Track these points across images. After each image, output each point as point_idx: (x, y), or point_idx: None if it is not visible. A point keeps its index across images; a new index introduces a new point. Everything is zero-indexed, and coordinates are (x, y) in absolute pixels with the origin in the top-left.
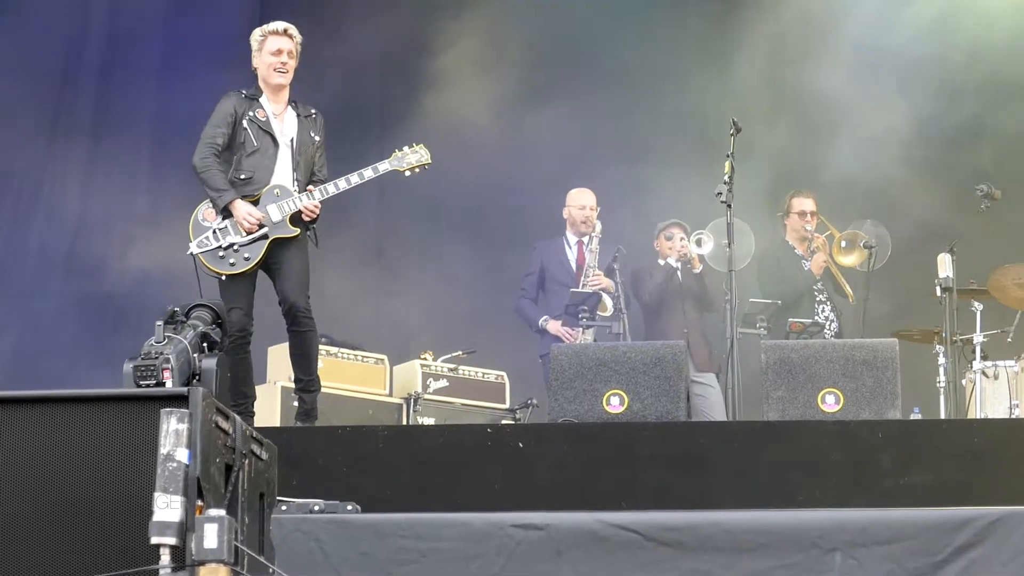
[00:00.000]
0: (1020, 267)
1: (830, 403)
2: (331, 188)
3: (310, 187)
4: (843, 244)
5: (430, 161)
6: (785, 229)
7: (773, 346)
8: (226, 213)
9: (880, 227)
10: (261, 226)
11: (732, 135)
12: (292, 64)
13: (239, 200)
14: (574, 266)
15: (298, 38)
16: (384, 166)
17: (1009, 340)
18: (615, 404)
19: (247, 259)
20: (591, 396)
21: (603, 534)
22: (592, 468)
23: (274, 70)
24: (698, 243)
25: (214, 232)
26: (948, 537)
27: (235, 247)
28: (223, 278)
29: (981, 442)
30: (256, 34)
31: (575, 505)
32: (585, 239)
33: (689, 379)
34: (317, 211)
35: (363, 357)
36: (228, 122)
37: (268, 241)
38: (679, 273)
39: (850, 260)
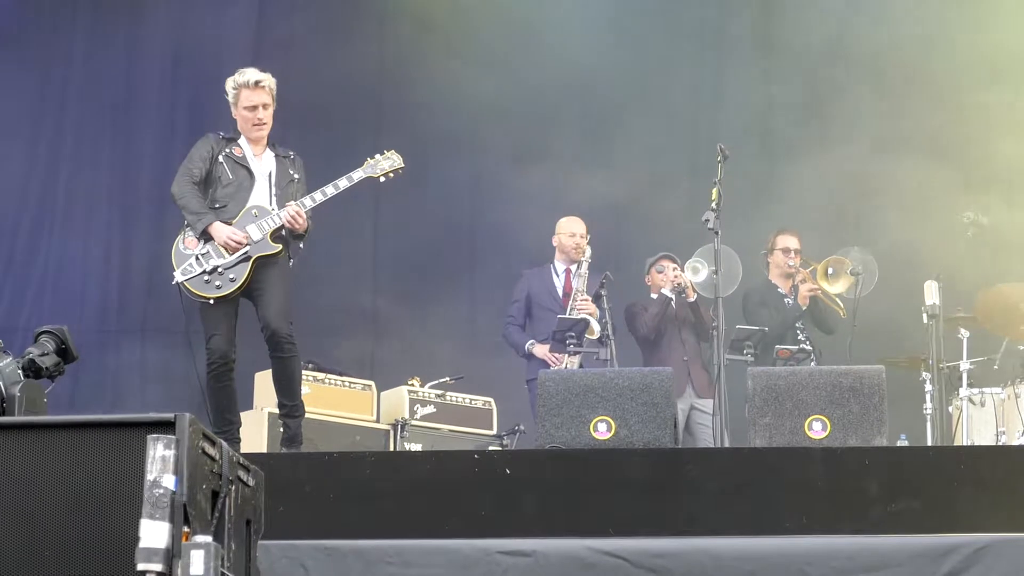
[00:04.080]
0: (1008, 295)
1: (817, 430)
2: (318, 196)
3: (290, 202)
4: (829, 271)
5: (403, 166)
6: (768, 267)
7: (760, 373)
8: (206, 237)
9: (867, 254)
10: (244, 246)
11: (720, 162)
12: (270, 112)
13: (218, 222)
14: (561, 294)
15: (272, 85)
16: (359, 174)
17: (995, 367)
18: (602, 430)
19: (232, 280)
20: (578, 422)
21: (590, 560)
22: (579, 494)
23: (252, 125)
24: (693, 271)
25: (197, 258)
26: (935, 564)
27: (220, 270)
28: (211, 302)
29: (968, 469)
30: (229, 85)
31: (562, 531)
32: (573, 267)
33: (676, 406)
34: (302, 219)
35: (350, 383)
36: (205, 158)
37: (252, 261)
38: (673, 303)
39: (837, 288)
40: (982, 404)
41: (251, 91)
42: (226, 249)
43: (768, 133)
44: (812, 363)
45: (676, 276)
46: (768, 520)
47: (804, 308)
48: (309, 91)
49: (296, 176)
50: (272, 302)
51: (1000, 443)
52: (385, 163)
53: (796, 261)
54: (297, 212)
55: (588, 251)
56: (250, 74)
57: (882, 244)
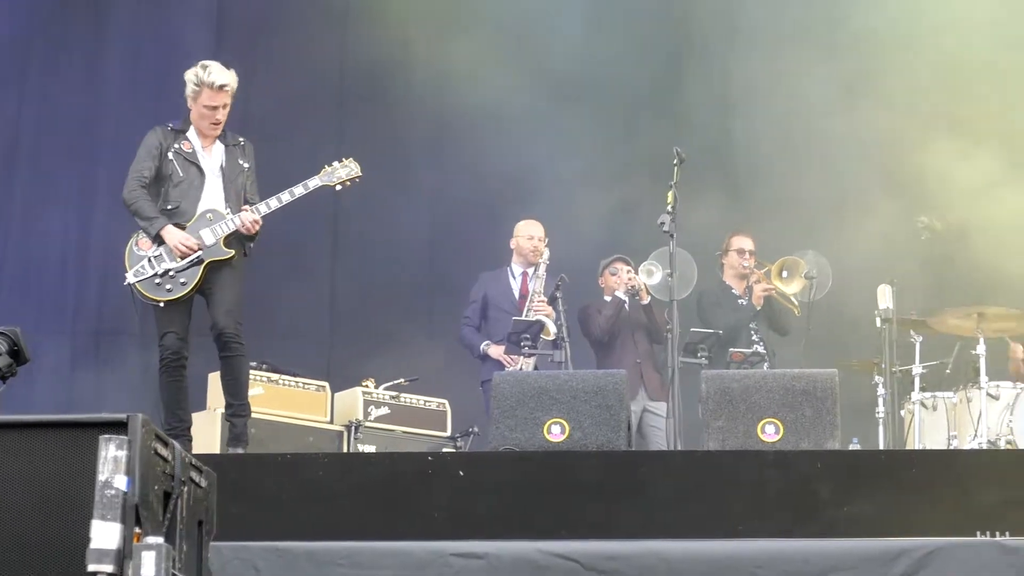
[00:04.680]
0: (961, 300)
1: (770, 433)
2: (273, 203)
3: (246, 207)
4: (784, 272)
5: (360, 174)
6: (723, 268)
7: (713, 376)
8: (159, 241)
9: (821, 257)
10: (195, 252)
11: (676, 165)
12: (225, 113)
13: (170, 226)
14: (517, 296)
15: (234, 85)
16: (315, 182)
17: (948, 371)
18: (556, 432)
19: (183, 284)
20: (532, 424)
21: (543, 563)
22: (533, 497)
23: (209, 124)
24: (647, 274)
25: (149, 260)
26: (886, 567)
27: (171, 273)
28: (161, 305)
29: (919, 473)
30: (192, 80)
31: (516, 534)
32: (530, 270)
33: (629, 409)
34: (258, 227)
35: (304, 384)
36: (154, 155)
37: (204, 265)
38: (627, 306)
39: (791, 288)
40: (934, 408)
41: (214, 92)
42: (177, 254)
43: (725, 133)
44: (765, 366)
45: (630, 279)
46: (721, 523)
47: (758, 308)
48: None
49: (246, 165)
50: (222, 302)
51: (952, 447)
52: (342, 171)
53: (751, 262)
54: (255, 221)
55: (546, 253)
56: (216, 75)
57: (836, 248)
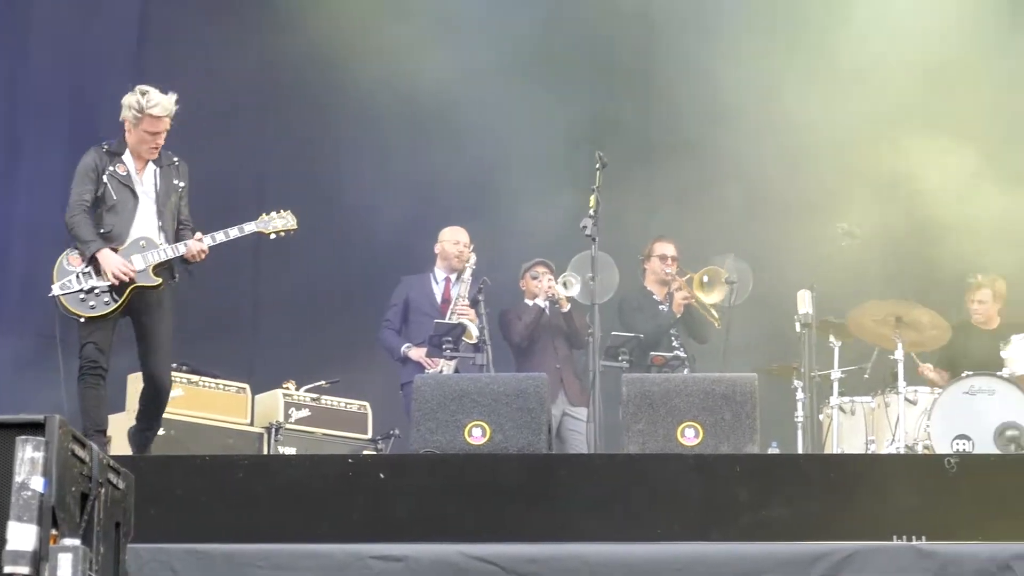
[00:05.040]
0: (879, 304)
1: (689, 437)
2: (219, 236)
3: (199, 235)
4: (705, 280)
5: (295, 227)
6: (644, 273)
7: (634, 379)
8: (93, 262)
9: (742, 262)
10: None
11: (598, 169)
12: (163, 138)
13: (107, 250)
14: (440, 301)
15: (173, 111)
16: (250, 227)
17: (866, 376)
18: (477, 435)
19: (107, 303)
20: (453, 427)
21: (463, 566)
22: (453, 499)
23: (148, 148)
24: (565, 285)
25: (77, 276)
26: (804, 571)
27: (97, 291)
28: (82, 320)
29: (837, 477)
30: (132, 106)
31: (436, 537)
32: (453, 276)
33: (550, 412)
34: (204, 256)
35: (224, 386)
36: (92, 178)
37: (129, 289)
38: (547, 311)
39: (712, 298)
40: (852, 412)
41: (156, 120)
42: (114, 278)
43: (645, 140)
44: (686, 370)
45: (550, 287)
46: (640, 526)
47: (678, 316)
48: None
49: (181, 185)
50: (159, 348)
51: (869, 451)
52: (279, 222)
53: (673, 268)
54: (202, 251)
55: (473, 258)
56: (157, 104)
57: (757, 253)
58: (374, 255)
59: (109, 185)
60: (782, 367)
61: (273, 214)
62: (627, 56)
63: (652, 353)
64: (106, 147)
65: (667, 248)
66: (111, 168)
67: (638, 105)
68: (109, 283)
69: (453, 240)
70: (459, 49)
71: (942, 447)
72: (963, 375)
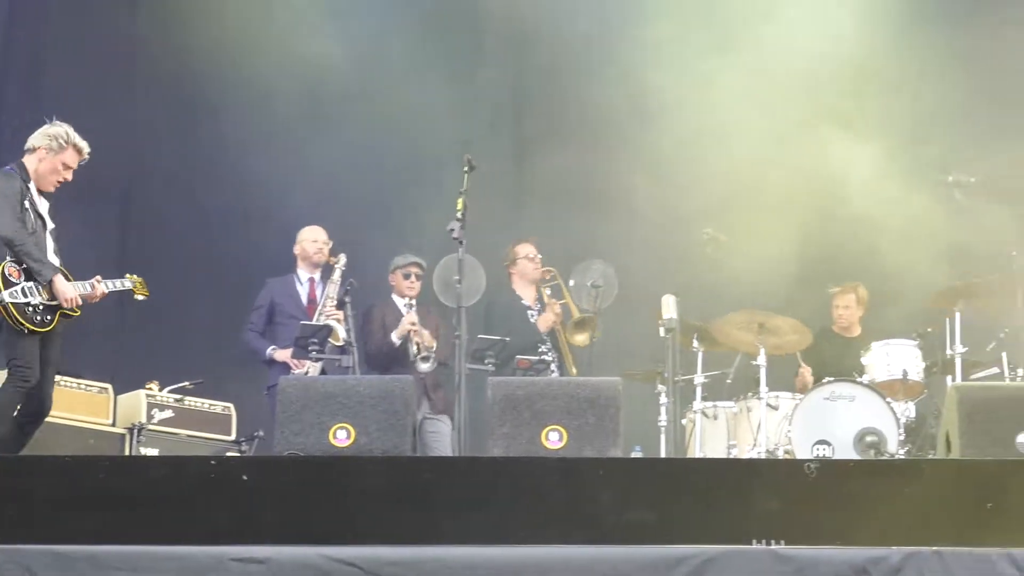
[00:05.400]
0: (742, 313)
1: (553, 440)
2: (118, 285)
3: (98, 277)
4: (575, 323)
5: (147, 295)
6: (511, 278)
7: (500, 382)
8: (48, 286)
9: (608, 267)
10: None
11: (466, 172)
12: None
13: (62, 276)
14: (305, 302)
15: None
16: (126, 284)
17: (728, 381)
18: (342, 437)
19: (45, 322)
20: (318, 429)
21: (325, 568)
22: (317, 502)
23: (56, 179)
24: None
25: (24, 289)
26: (665, 574)
27: (41, 308)
28: (25, 332)
29: (699, 481)
30: (60, 136)
31: (299, 539)
32: (316, 275)
33: (415, 414)
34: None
35: (86, 386)
36: (19, 200)
37: (59, 313)
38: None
39: (577, 340)
40: (715, 417)
41: (77, 155)
42: (63, 301)
43: (516, 142)
44: (552, 374)
45: (414, 331)
46: (504, 529)
47: (543, 333)
48: None
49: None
50: (52, 375)
51: (731, 456)
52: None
53: (539, 265)
54: (103, 293)
55: (343, 259)
56: (85, 146)
57: (623, 257)
58: (239, 256)
59: (30, 211)
60: (646, 372)
61: (136, 278)
62: (492, 59)
63: (518, 356)
64: (17, 172)
65: (529, 249)
66: (30, 194)
67: (512, 107)
68: (43, 301)
69: (311, 239)
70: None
71: (802, 452)
72: (824, 381)
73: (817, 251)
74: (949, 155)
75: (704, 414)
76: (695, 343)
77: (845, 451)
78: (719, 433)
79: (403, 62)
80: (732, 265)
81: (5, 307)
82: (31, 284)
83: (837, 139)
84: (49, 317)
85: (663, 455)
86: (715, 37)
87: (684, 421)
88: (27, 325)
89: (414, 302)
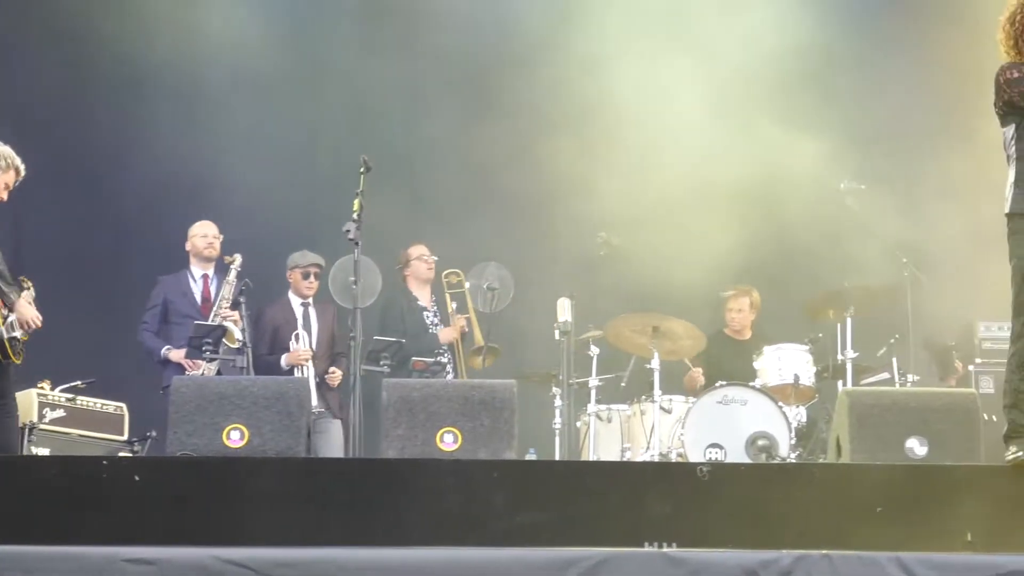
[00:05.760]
0: (637, 316)
1: (448, 442)
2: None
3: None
4: (475, 351)
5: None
6: (406, 280)
7: (395, 384)
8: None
9: (503, 269)
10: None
11: (362, 173)
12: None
13: (24, 299)
14: (200, 300)
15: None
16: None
17: (623, 384)
18: (235, 438)
19: (18, 353)
20: (211, 429)
21: (216, 569)
22: (210, 502)
23: None
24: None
25: (11, 323)
26: None
27: (17, 340)
28: (5, 363)
29: (592, 483)
30: (7, 156)
31: (191, 540)
32: (211, 271)
33: (310, 416)
34: None
35: None
36: None
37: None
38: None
39: (475, 362)
40: (609, 420)
41: (16, 177)
42: (25, 326)
43: (416, 142)
44: (448, 376)
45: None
46: (397, 531)
47: (443, 345)
48: None
49: None
50: None
51: (625, 459)
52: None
53: (431, 264)
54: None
55: (239, 259)
56: (22, 165)
57: (519, 260)
58: (132, 253)
59: None
60: (541, 374)
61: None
62: (388, 60)
63: (413, 358)
64: None
65: (421, 250)
66: None
67: (405, 109)
68: (21, 334)
69: (202, 234)
70: (218, 22)
71: (695, 455)
72: (717, 385)
73: (712, 255)
74: (844, 157)
75: (598, 417)
76: (590, 346)
77: (737, 455)
78: (613, 436)
79: (301, 57)
80: (627, 269)
81: (1, 343)
82: (13, 316)
83: (734, 144)
84: (21, 349)
85: (557, 457)
86: (616, 45)
87: (578, 424)
88: (14, 359)
89: (311, 301)
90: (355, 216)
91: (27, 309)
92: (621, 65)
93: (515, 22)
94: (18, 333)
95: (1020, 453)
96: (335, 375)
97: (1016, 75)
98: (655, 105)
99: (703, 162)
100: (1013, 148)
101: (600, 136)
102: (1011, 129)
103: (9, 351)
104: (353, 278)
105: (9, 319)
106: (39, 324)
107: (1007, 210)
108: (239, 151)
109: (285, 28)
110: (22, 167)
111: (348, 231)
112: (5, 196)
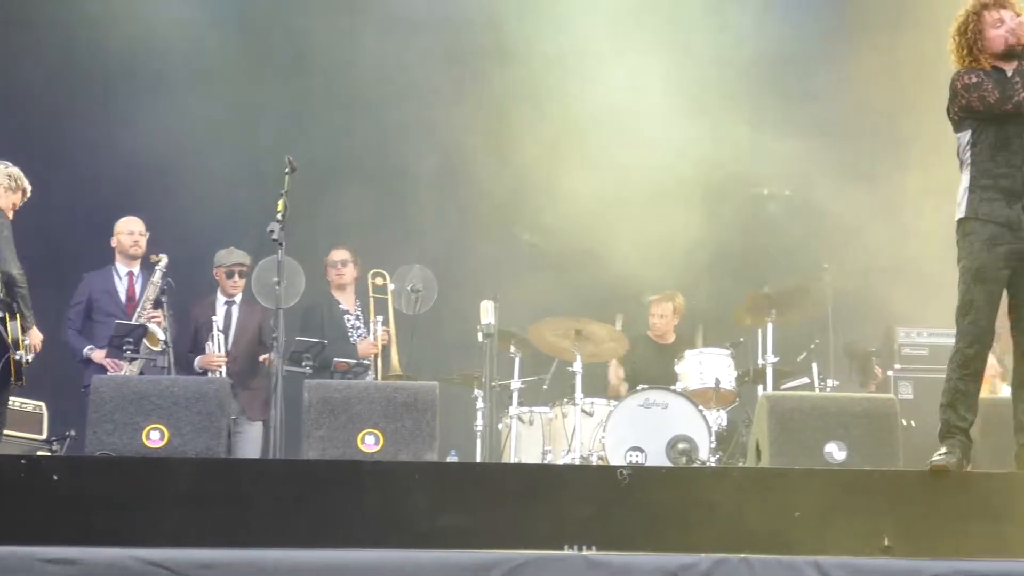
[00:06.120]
0: (559, 319)
1: (370, 443)
2: None
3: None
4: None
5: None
6: (329, 285)
7: (316, 385)
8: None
9: (427, 271)
10: None
11: (287, 174)
12: None
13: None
14: (124, 297)
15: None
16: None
17: (545, 387)
18: (155, 438)
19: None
20: (131, 429)
21: (136, 570)
22: (130, 503)
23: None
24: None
25: (27, 345)
26: None
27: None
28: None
29: (513, 486)
30: (16, 176)
31: (111, 540)
32: (136, 269)
33: (230, 416)
34: None
35: None
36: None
37: None
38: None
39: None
40: (531, 423)
41: (23, 196)
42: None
43: (337, 143)
44: (370, 377)
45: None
46: (319, 533)
47: (367, 358)
48: None
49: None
50: None
51: (546, 461)
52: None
53: (344, 271)
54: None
55: (164, 259)
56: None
57: (443, 262)
58: (56, 248)
59: None
60: (464, 376)
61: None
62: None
63: (335, 359)
64: None
65: (339, 254)
66: None
67: (332, 109)
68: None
69: (127, 231)
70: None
71: (616, 458)
72: (638, 388)
73: (638, 259)
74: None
75: (520, 419)
76: (512, 348)
77: (658, 458)
78: (535, 438)
79: (233, 55)
80: (551, 271)
81: (17, 363)
82: (28, 340)
83: (660, 145)
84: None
85: (479, 460)
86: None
87: (500, 426)
88: (19, 383)
89: (237, 299)
90: (279, 216)
91: (37, 333)
92: (538, 69)
93: (447, 21)
94: (30, 356)
95: (942, 459)
96: (267, 358)
97: (973, 80)
98: (586, 106)
99: (632, 165)
100: (968, 154)
101: (527, 139)
102: (966, 135)
103: (21, 373)
104: (277, 278)
105: (26, 342)
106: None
107: (960, 215)
108: (171, 145)
109: (204, 24)
110: (28, 187)
111: (272, 231)
112: (11, 215)
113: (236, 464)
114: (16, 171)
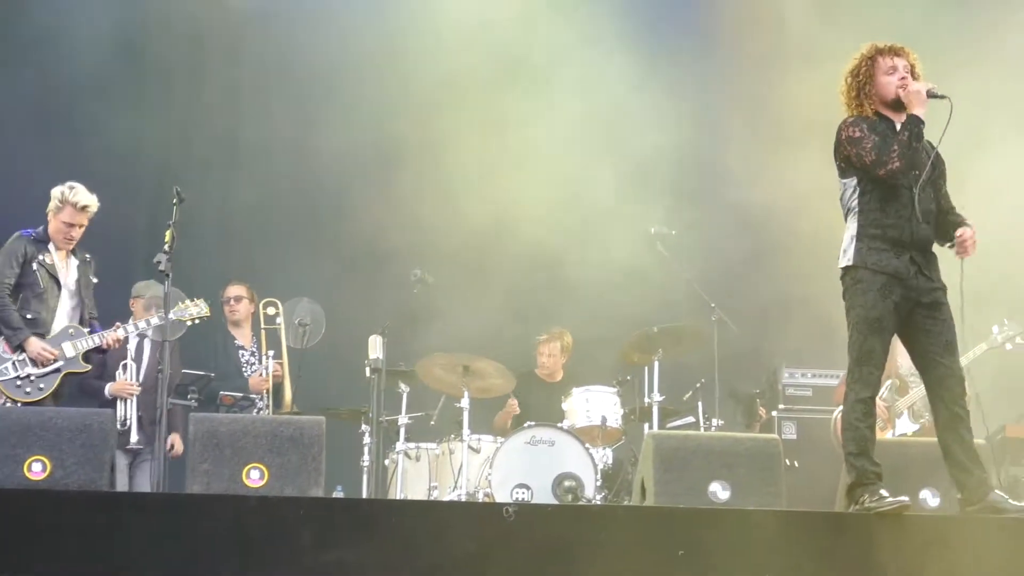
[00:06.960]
0: (447, 355)
1: (255, 478)
2: (141, 325)
3: (118, 323)
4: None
5: (208, 314)
6: (226, 319)
7: (202, 418)
8: (20, 349)
9: (316, 305)
10: (55, 360)
11: (175, 204)
12: (80, 232)
13: (33, 337)
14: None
15: (95, 209)
16: (171, 315)
17: (432, 423)
18: (37, 470)
19: (41, 389)
20: (12, 461)
21: None
22: (8, 535)
23: (63, 238)
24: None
25: (14, 363)
26: None
27: (31, 377)
28: (19, 405)
29: (399, 522)
30: (57, 195)
31: None
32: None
33: (114, 449)
34: (119, 345)
35: None
36: (19, 262)
37: (61, 375)
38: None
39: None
40: (417, 459)
41: (75, 212)
42: (37, 361)
43: (226, 176)
44: (258, 411)
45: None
46: (201, 567)
47: (260, 390)
48: None
49: (95, 280)
50: None
51: (432, 497)
52: (193, 310)
53: (238, 307)
54: (116, 339)
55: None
56: (81, 196)
57: (333, 296)
58: None
59: (38, 273)
60: (351, 411)
61: (188, 303)
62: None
63: (222, 392)
64: (33, 235)
65: (233, 290)
66: (40, 256)
67: (222, 140)
68: (42, 370)
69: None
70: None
71: (502, 495)
72: (525, 425)
73: (527, 295)
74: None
75: (407, 455)
76: (400, 384)
77: (544, 495)
78: (421, 474)
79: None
80: (440, 306)
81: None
82: (25, 356)
83: (548, 184)
84: (48, 382)
85: (364, 495)
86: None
87: (387, 461)
88: (18, 399)
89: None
90: (166, 247)
91: (35, 343)
92: (437, 105)
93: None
94: (34, 371)
95: (895, 501)
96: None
97: (857, 134)
98: (474, 142)
99: (520, 201)
100: (855, 201)
101: (417, 173)
102: (852, 181)
103: (4, 392)
104: (163, 311)
105: (12, 359)
106: (53, 354)
107: (848, 263)
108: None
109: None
110: (81, 200)
111: (159, 262)
112: (75, 233)
113: (118, 497)
114: (57, 190)
